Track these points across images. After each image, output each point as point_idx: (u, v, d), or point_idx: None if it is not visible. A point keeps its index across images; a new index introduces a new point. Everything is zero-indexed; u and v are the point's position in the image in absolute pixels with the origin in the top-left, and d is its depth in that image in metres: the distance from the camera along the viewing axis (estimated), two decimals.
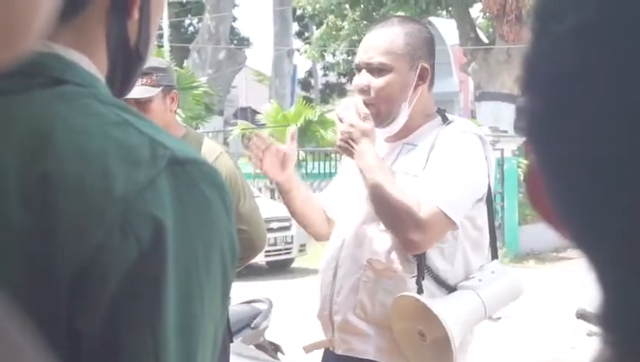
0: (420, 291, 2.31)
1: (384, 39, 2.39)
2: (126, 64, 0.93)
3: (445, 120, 2.44)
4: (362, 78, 2.39)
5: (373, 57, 2.37)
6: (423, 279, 2.31)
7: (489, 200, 2.43)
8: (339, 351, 2.45)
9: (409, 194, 2.26)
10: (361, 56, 2.42)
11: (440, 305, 2.26)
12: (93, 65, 0.88)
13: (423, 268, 2.32)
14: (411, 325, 2.28)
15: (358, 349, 2.39)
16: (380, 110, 2.37)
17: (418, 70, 2.39)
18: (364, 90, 2.37)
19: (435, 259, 2.34)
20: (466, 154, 2.33)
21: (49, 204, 0.75)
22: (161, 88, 3.02)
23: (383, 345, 2.36)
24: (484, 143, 2.41)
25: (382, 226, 2.35)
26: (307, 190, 2.72)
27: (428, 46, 2.44)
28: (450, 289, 2.36)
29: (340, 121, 2.35)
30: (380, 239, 2.35)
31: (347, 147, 2.33)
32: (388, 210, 2.27)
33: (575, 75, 0.42)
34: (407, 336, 2.31)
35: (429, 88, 2.45)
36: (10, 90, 0.82)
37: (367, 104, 2.35)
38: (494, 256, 2.56)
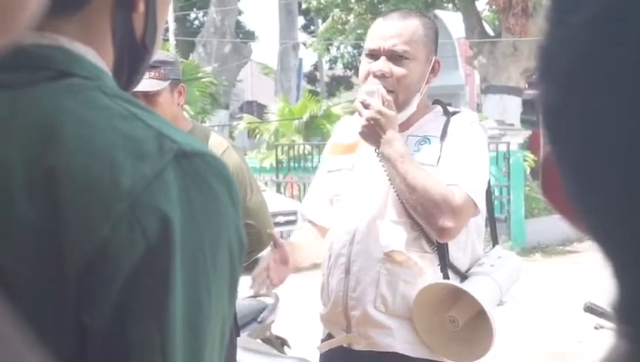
0: (445, 278, 2.33)
1: (406, 28, 2.38)
2: (132, 57, 0.93)
3: (447, 111, 2.46)
4: (383, 65, 2.36)
5: (397, 45, 2.36)
6: (448, 267, 2.34)
7: (488, 188, 2.47)
8: (358, 347, 2.41)
9: (442, 182, 2.27)
10: (379, 43, 2.39)
11: (467, 286, 2.31)
12: (99, 58, 0.87)
13: (447, 255, 2.34)
14: (439, 315, 2.31)
15: (381, 343, 2.37)
16: (398, 98, 2.36)
17: (432, 62, 2.42)
18: (385, 77, 2.36)
19: (451, 248, 2.36)
20: (478, 143, 2.38)
21: (56, 198, 0.74)
22: (169, 82, 3.02)
23: (407, 337, 2.35)
24: (486, 133, 2.48)
25: (394, 218, 2.35)
26: (300, 246, 2.62)
27: (437, 41, 2.47)
28: (462, 276, 2.38)
29: (366, 107, 2.30)
30: (395, 231, 2.35)
31: (373, 134, 2.30)
32: (425, 197, 2.25)
33: (593, 65, 0.41)
34: (434, 328, 2.33)
35: None
36: (16, 84, 0.81)
37: (386, 91, 2.33)
38: (495, 241, 2.64)
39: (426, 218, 2.27)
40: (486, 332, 2.27)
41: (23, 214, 0.75)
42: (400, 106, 2.36)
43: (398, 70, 2.36)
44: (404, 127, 2.41)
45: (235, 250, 0.82)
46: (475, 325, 2.30)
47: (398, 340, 2.36)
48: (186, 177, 0.77)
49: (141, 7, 0.89)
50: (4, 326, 0.40)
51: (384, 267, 2.35)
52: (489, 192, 2.48)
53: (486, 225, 2.53)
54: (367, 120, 2.29)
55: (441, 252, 2.34)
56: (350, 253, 2.41)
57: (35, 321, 0.59)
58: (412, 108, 2.41)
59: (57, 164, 0.75)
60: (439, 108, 2.49)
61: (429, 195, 2.24)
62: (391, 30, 2.39)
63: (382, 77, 2.35)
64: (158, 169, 0.76)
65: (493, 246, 2.59)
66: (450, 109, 2.47)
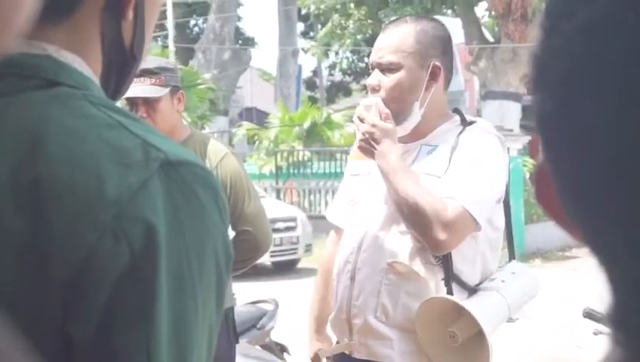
0: (449, 292, 2.30)
1: (394, 38, 2.36)
2: (121, 65, 0.92)
3: (464, 120, 2.41)
4: (373, 77, 2.37)
5: (383, 56, 2.35)
6: (451, 281, 2.30)
7: (506, 201, 2.41)
8: (358, 356, 2.41)
9: (435, 195, 2.23)
10: (373, 56, 2.39)
11: (470, 303, 2.27)
12: (86, 67, 0.87)
13: (450, 269, 2.30)
14: (441, 328, 2.27)
15: (380, 353, 2.36)
16: (391, 109, 2.32)
17: (430, 69, 2.35)
18: (375, 89, 2.35)
19: (456, 260, 2.31)
20: (490, 155, 2.32)
21: (41, 208, 0.74)
22: (169, 88, 3.03)
23: (407, 348, 2.33)
24: (503, 144, 2.39)
25: (401, 228, 2.32)
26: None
27: (442, 44, 2.39)
28: (471, 290, 2.34)
29: (361, 121, 2.31)
30: (401, 241, 2.32)
31: (368, 147, 2.30)
32: (414, 210, 2.22)
33: (587, 73, 0.41)
34: (435, 341, 2.30)
35: (444, 88, 2.42)
36: (3, 93, 0.81)
37: None
38: (512, 256, 2.56)
39: (418, 230, 2.25)
40: (483, 352, 2.23)
41: (8, 224, 0.74)
42: (396, 117, 2.33)
43: (386, 81, 2.34)
44: (416, 136, 2.39)
45: (222, 258, 0.81)
46: (475, 343, 2.26)
47: (397, 351, 2.34)
48: (172, 186, 0.77)
49: (130, 14, 0.89)
50: None
51: (387, 277, 2.33)
52: (507, 204, 2.42)
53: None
54: (363, 133, 2.30)
55: (445, 265, 2.31)
56: (356, 260, 2.39)
57: (20, 332, 0.60)
58: (414, 117, 2.36)
59: (43, 173, 0.75)
60: (457, 117, 2.44)
61: (418, 208, 2.21)
62: (382, 42, 2.39)
63: (373, 90, 2.36)
64: (144, 178, 0.76)
65: (510, 260, 2.53)
66: (468, 118, 2.42)
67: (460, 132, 2.36)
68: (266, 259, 10.95)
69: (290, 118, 17.54)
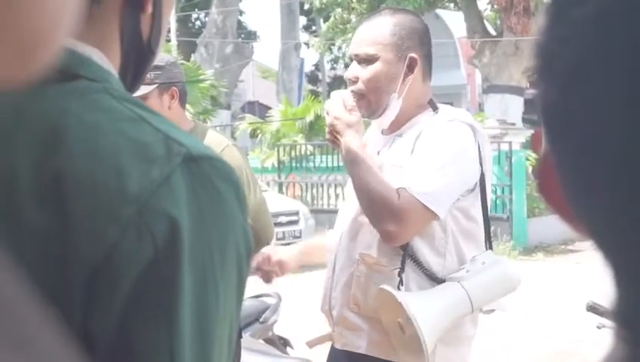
0: (400, 283, 2.29)
1: (371, 30, 2.39)
2: (138, 59, 0.92)
3: (435, 110, 2.40)
4: (351, 70, 2.40)
5: (360, 48, 2.37)
6: (403, 272, 2.29)
7: (482, 189, 2.37)
8: (337, 346, 2.46)
9: (388, 184, 2.24)
10: (351, 48, 2.43)
11: (414, 299, 2.23)
12: (106, 60, 0.87)
13: (405, 260, 2.30)
14: (393, 318, 2.26)
15: (353, 344, 2.40)
16: (370, 100, 2.36)
17: (406, 60, 2.36)
18: (353, 81, 2.38)
19: (425, 251, 2.31)
20: (451, 142, 2.28)
21: (62, 203, 0.74)
22: (155, 85, 3.02)
23: (376, 338, 2.35)
24: (476, 131, 2.33)
25: None
26: (316, 246, 2.79)
27: (419, 36, 2.40)
28: (439, 281, 2.32)
29: (327, 113, 2.36)
30: (371, 233, 2.33)
31: (334, 139, 2.34)
32: (366, 200, 2.26)
33: (597, 62, 0.40)
34: (392, 328, 2.30)
35: (423, 79, 2.41)
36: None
37: (358, 95, 2.35)
38: (489, 246, 2.50)
39: (371, 220, 2.27)
40: (420, 348, 2.19)
41: (30, 219, 0.74)
42: (374, 108, 2.37)
43: (363, 73, 2.36)
44: (393, 127, 2.41)
45: (243, 252, 0.81)
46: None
47: (367, 341, 2.37)
48: (194, 181, 0.77)
49: (149, 8, 0.89)
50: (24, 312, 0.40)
51: (358, 269, 2.36)
52: (484, 193, 2.38)
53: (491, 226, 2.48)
54: (328, 126, 2.34)
55: (403, 256, 2.30)
56: (337, 252, 2.45)
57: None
58: (393, 108, 2.37)
59: (64, 168, 0.75)
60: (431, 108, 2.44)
61: (370, 197, 2.24)
62: (359, 34, 2.42)
63: (351, 82, 2.39)
64: (167, 173, 0.76)
65: (487, 249, 2.47)
66: (440, 106, 2.42)
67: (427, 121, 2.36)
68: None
69: (293, 113, 17.54)
